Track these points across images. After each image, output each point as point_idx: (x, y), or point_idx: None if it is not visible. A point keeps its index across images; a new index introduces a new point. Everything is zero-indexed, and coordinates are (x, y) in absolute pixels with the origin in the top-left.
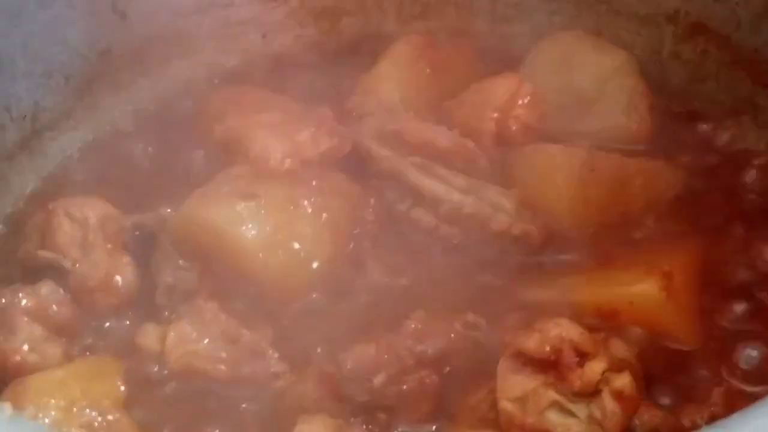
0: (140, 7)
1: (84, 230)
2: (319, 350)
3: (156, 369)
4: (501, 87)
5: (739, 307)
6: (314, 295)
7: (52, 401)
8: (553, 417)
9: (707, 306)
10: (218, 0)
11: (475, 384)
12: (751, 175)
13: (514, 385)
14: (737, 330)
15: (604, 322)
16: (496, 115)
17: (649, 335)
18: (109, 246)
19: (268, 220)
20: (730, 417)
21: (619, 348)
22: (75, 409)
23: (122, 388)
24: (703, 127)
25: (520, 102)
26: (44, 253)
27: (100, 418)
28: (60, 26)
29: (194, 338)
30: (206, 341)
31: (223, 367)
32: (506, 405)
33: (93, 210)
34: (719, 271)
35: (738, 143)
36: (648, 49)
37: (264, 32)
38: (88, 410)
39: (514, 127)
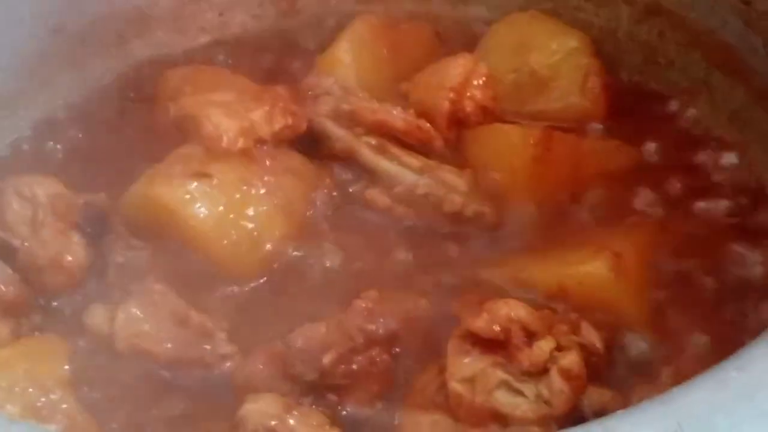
0: None
1: (34, 209)
2: (269, 330)
3: (104, 349)
4: (456, 68)
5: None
6: (267, 276)
7: None
8: (502, 396)
9: (658, 286)
10: None
11: (425, 364)
12: (705, 155)
13: (463, 366)
14: (687, 310)
15: (555, 302)
16: (451, 95)
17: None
18: (59, 225)
19: (220, 199)
20: (661, 396)
21: (590, 333)
22: (17, 389)
23: (66, 367)
24: (659, 107)
25: (475, 83)
26: None
27: (43, 399)
28: (12, 3)
29: (143, 319)
30: (154, 322)
31: (170, 348)
32: (455, 386)
33: (43, 188)
34: (670, 251)
35: (693, 123)
36: (605, 29)
37: (221, 11)
38: (31, 390)
39: (468, 108)
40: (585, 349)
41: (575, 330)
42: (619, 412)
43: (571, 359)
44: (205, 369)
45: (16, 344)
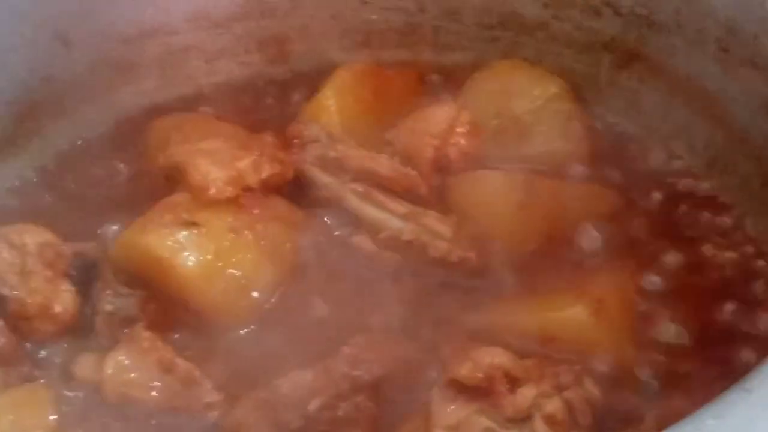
0: (83, 34)
1: (23, 257)
2: (256, 377)
3: (92, 398)
4: (440, 115)
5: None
6: (254, 323)
7: None
8: None
9: (640, 329)
10: (162, 27)
11: (410, 411)
12: (685, 200)
13: (448, 414)
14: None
15: (539, 348)
16: (435, 142)
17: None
18: (48, 273)
19: (208, 248)
20: None
21: (592, 384)
22: None
23: (53, 417)
24: (639, 152)
25: (458, 130)
26: None
27: None
28: (1, 52)
29: (130, 367)
30: (142, 370)
31: (157, 396)
32: None
33: (32, 237)
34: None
35: (673, 168)
36: (586, 75)
37: (208, 58)
38: None
39: (452, 155)
40: (588, 401)
41: (578, 381)
42: None
43: (554, 405)
44: (191, 417)
45: (2, 394)
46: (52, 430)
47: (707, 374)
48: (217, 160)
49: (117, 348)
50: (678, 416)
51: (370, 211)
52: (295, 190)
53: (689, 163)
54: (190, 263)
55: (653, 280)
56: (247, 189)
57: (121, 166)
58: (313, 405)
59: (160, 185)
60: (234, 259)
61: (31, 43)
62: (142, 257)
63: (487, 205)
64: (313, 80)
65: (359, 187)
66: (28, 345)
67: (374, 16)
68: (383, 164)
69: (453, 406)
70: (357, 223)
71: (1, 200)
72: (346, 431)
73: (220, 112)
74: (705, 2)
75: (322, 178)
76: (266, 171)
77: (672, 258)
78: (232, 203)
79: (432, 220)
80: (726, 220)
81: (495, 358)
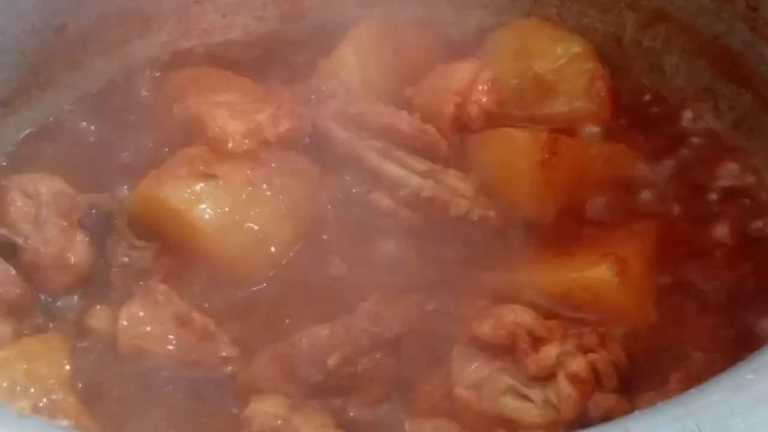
0: None
1: (37, 207)
2: (274, 332)
3: (106, 349)
4: (461, 72)
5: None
6: (271, 277)
7: None
8: (509, 402)
9: (663, 290)
10: None
11: (430, 369)
12: (709, 161)
13: (470, 372)
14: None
15: (561, 307)
16: (456, 99)
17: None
18: (63, 223)
19: (225, 201)
20: (678, 397)
21: (617, 346)
22: (18, 389)
23: (68, 367)
24: (664, 113)
25: (480, 87)
26: None
27: (45, 399)
28: (15, 1)
29: (145, 320)
30: (157, 324)
31: (173, 349)
32: (461, 392)
33: (46, 186)
34: (675, 254)
35: (697, 130)
36: (609, 35)
37: (224, 12)
38: (32, 390)
39: (473, 112)
40: (613, 363)
41: (603, 343)
42: (637, 413)
43: (578, 364)
44: (207, 371)
45: (16, 344)
46: (66, 380)
47: (731, 337)
48: (235, 113)
49: (131, 301)
50: (701, 378)
51: (388, 168)
52: (313, 146)
53: (714, 124)
54: (206, 216)
55: (677, 239)
56: (265, 143)
57: (136, 118)
58: (332, 360)
59: (176, 137)
60: (251, 213)
61: None
62: (158, 209)
63: (509, 164)
64: (330, 36)
65: (378, 144)
66: (42, 296)
67: None
68: (403, 121)
69: (475, 365)
70: (375, 180)
71: (15, 150)
72: (365, 387)
73: (236, 66)
74: None
75: (340, 133)
76: (284, 125)
77: (696, 218)
78: (250, 157)
79: (452, 178)
80: (752, 182)
81: (518, 316)
